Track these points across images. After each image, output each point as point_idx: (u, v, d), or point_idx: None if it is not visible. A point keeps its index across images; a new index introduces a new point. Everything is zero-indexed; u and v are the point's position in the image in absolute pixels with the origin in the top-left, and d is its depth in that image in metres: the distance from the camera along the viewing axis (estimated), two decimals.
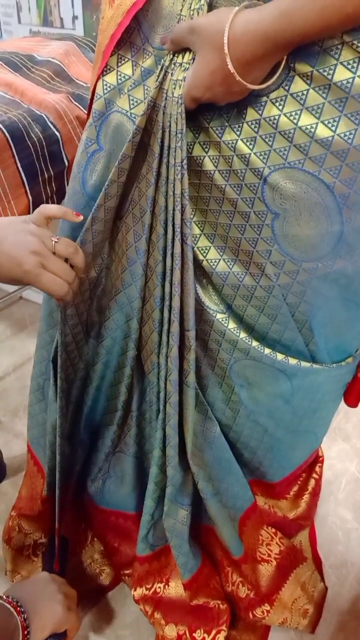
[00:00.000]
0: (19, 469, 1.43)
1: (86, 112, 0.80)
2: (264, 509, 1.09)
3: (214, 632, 1.04)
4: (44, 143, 1.30)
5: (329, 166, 0.61)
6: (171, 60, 0.65)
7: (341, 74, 0.57)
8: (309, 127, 0.60)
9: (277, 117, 0.61)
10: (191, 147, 0.70)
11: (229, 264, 0.75)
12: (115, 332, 0.88)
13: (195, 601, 1.03)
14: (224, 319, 0.78)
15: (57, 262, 0.69)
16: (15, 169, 1.25)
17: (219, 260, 0.75)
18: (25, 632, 0.74)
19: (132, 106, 0.70)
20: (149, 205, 0.72)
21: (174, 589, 1.06)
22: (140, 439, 0.96)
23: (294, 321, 0.76)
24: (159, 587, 1.06)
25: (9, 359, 1.89)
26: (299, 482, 1.19)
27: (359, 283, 0.74)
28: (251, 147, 0.64)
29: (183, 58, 0.64)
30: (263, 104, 0.62)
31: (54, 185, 1.37)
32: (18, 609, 0.76)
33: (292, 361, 0.79)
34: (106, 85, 0.71)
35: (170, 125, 0.66)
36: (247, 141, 0.64)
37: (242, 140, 0.64)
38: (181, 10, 0.64)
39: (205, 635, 1.04)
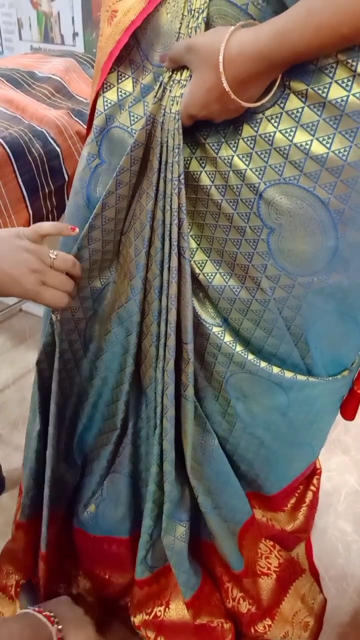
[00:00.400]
0: (18, 482, 1.41)
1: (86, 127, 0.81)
2: (262, 521, 1.09)
3: None
4: (44, 158, 1.31)
5: (323, 182, 0.61)
6: (170, 77, 0.66)
7: (336, 92, 0.57)
8: (304, 143, 0.61)
9: (272, 134, 0.62)
10: (188, 162, 0.70)
11: (225, 277, 0.75)
12: (115, 347, 0.88)
13: (198, 620, 1.02)
14: (220, 332, 0.79)
15: (56, 276, 0.70)
16: (16, 184, 1.26)
17: (215, 273, 0.76)
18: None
19: (132, 122, 0.71)
20: (148, 220, 0.73)
21: (175, 611, 1.03)
22: (135, 457, 0.95)
23: (289, 334, 0.77)
24: (159, 611, 1.04)
25: (8, 371, 1.90)
26: (296, 495, 1.18)
27: (355, 296, 0.75)
28: (247, 162, 0.65)
29: (181, 75, 0.65)
30: (259, 120, 0.63)
31: (54, 199, 1.39)
32: (52, 619, 0.73)
33: (288, 374, 0.80)
34: (107, 101, 0.72)
35: (167, 141, 0.67)
36: (243, 157, 0.65)
37: (238, 156, 0.65)
38: (179, 28, 0.64)
39: None
